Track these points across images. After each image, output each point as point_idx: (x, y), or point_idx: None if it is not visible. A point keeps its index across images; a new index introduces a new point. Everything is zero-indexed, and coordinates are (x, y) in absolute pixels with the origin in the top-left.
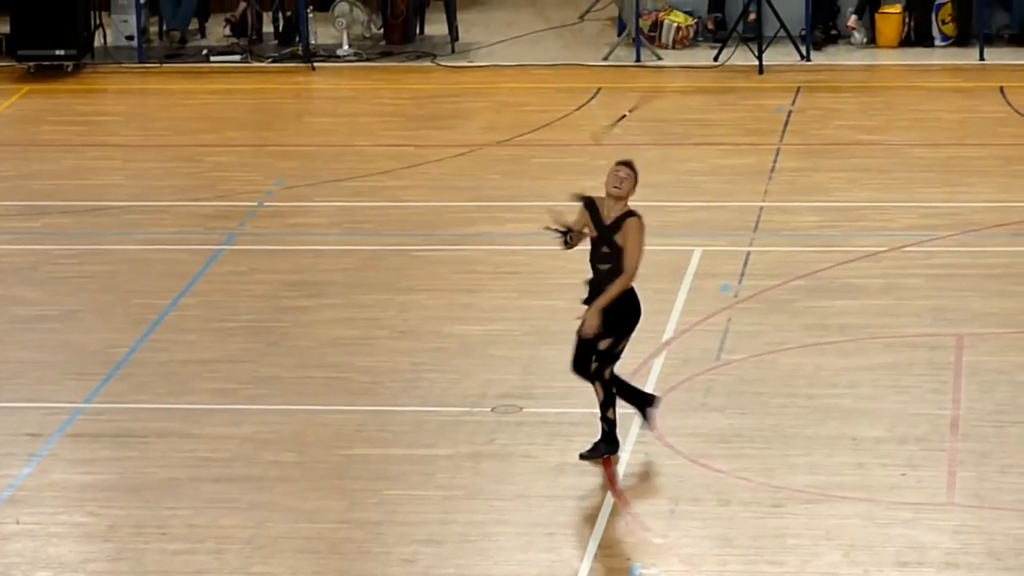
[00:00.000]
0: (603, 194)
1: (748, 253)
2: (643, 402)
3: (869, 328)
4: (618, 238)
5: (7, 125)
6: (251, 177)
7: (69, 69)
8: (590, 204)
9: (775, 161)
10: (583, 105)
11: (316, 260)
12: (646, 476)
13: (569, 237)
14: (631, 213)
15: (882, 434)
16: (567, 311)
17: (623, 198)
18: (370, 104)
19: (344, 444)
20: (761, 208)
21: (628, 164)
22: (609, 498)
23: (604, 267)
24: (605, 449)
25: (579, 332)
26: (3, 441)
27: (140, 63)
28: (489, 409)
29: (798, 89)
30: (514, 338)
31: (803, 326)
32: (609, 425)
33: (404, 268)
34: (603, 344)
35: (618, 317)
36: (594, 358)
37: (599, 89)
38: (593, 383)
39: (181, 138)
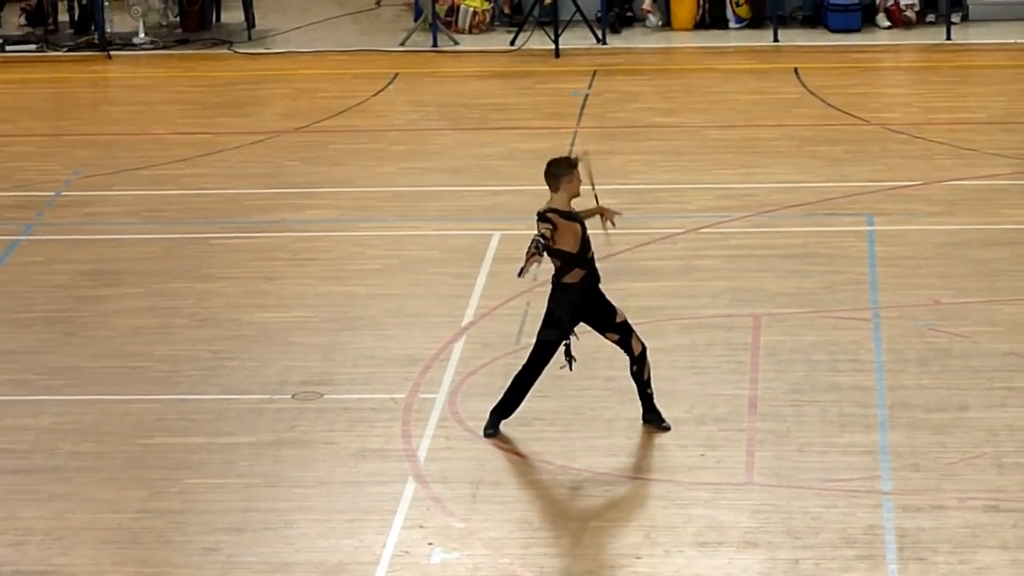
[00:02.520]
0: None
1: None
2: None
3: (666, 309)
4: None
5: None
6: (48, 167)
7: None
8: (573, 215)
9: (572, 144)
10: (380, 91)
11: (115, 249)
12: (447, 460)
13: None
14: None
15: (680, 415)
16: (367, 297)
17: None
18: (168, 92)
19: (144, 433)
20: None
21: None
22: (411, 483)
23: (590, 255)
24: (658, 419)
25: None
26: None
27: None
28: (289, 396)
29: (594, 72)
30: (314, 325)
31: None
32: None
33: (203, 256)
34: (619, 318)
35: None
36: (627, 339)
37: (396, 75)
38: (640, 362)
39: None
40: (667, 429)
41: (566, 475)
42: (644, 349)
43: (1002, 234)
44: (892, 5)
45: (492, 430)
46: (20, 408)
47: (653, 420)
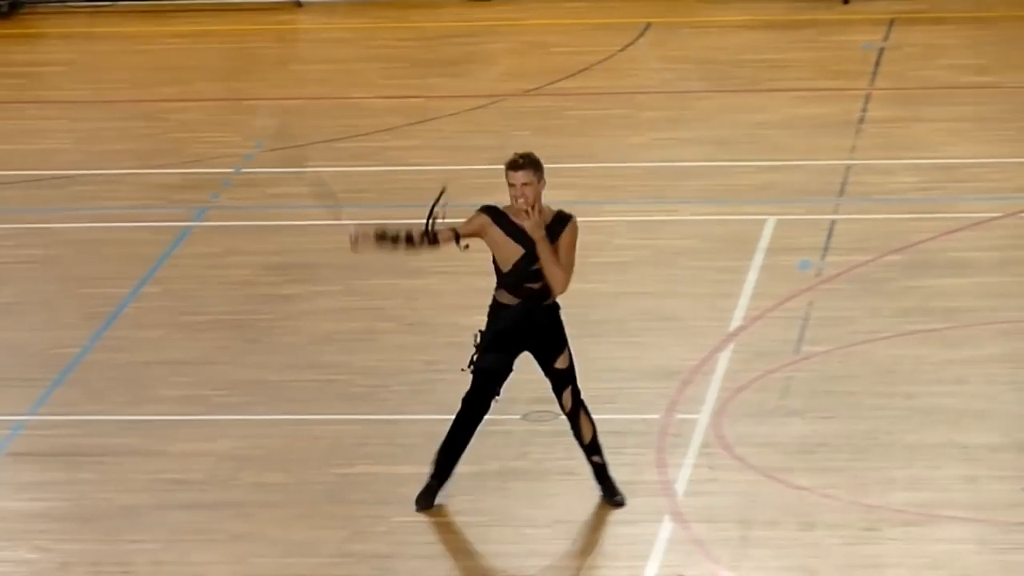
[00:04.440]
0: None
1: (832, 222)
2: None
3: (980, 312)
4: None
5: None
6: (225, 138)
7: (3, 10)
8: (499, 213)
9: (864, 110)
10: (628, 45)
11: (305, 238)
12: (711, 495)
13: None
14: (566, 214)
15: (997, 440)
16: (612, 296)
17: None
18: (368, 47)
19: (342, 461)
20: (848, 168)
21: (524, 164)
22: (667, 523)
23: (536, 285)
24: (610, 492)
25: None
26: None
27: (88, 1)
28: (519, 417)
29: (891, 22)
30: None
31: (900, 310)
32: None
33: None
34: (560, 363)
35: (558, 325)
36: (560, 389)
37: (648, 25)
38: (578, 413)
39: (139, 92)
40: (619, 504)
41: (856, 513)
42: (576, 405)
43: None
44: None
45: (426, 502)
46: (193, 430)
47: (603, 492)
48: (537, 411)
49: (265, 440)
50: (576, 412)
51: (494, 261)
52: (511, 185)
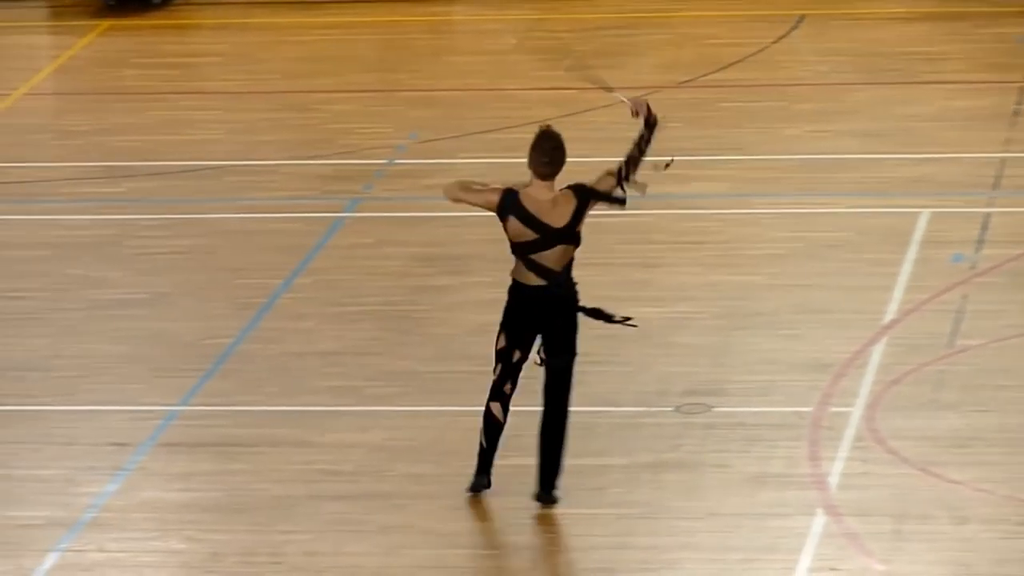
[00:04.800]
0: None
1: (987, 215)
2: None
3: None
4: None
5: (82, 69)
6: (379, 129)
7: (157, 1)
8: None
9: (1019, 103)
10: (782, 37)
11: (458, 229)
12: (864, 488)
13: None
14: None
15: None
16: (766, 289)
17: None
18: (522, 39)
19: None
20: (1003, 160)
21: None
22: (820, 516)
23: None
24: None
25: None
26: (83, 452)
27: None
28: (672, 409)
29: None
30: (701, 322)
31: None
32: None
33: None
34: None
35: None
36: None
37: (802, 17)
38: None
39: (292, 83)
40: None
41: (1011, 507)
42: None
43: None
44: None
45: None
46: (346, 421)
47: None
48: (690, 403)
49: (417, 431)
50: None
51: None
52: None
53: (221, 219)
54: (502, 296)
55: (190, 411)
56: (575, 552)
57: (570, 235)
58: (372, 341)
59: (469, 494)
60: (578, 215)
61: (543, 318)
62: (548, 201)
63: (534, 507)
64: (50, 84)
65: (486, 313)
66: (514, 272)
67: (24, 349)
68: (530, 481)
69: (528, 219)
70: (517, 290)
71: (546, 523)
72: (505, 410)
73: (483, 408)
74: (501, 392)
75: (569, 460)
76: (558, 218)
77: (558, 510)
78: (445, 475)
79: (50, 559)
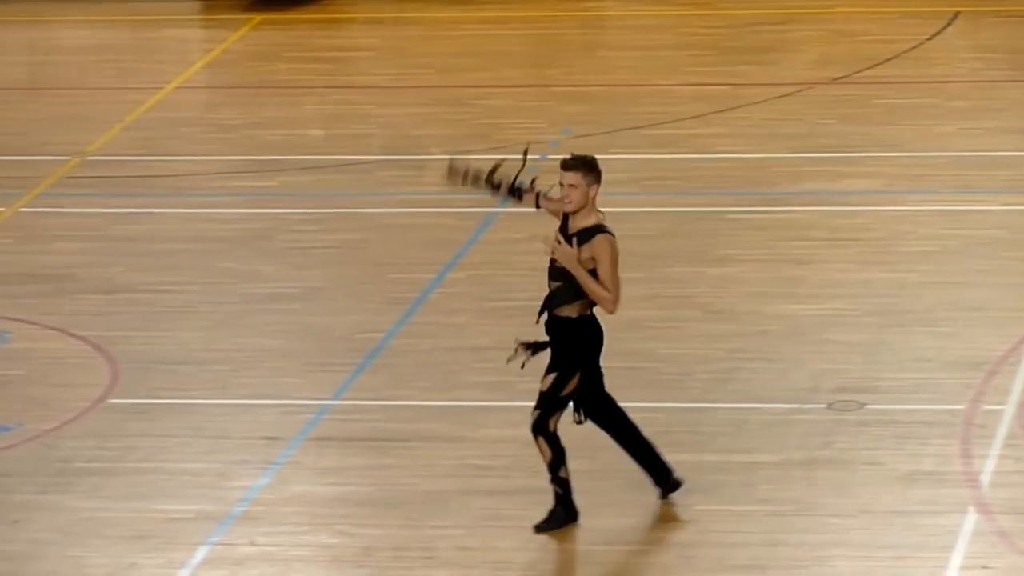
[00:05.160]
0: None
1: None
2: (663, 476)
3: None
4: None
5: (235, 63)
6: (532, 124)
7: None
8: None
9: None
10: (936, 34)
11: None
12: (1017, 486)
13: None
14: (601, 228)
15: None
16: (919, 286)
17: (579, 210)
18: (675, 34)
19: None
20: None
21: (574, 165)
22: (971, 514)
23: (555, 284)
24: (564, 516)
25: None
26: (235, 446)
27: None
28: (824, 406)
29: None
30: (853, 319)
31: None
32: (563, 488)
33: (718, 234)
34: (545, 383)
35: (569, 344)
36: (535, 405)
37: (956, 14)
38: (535, 437)
39: (445, 78)
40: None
41: None
42: (537, 430)
43: None
44: None
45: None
46: (498, 416)
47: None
48: (842, 400)
49: (569, 427)
50: (536, 434)
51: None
52: (560, 184)
53: (375, 213)
54: (655, 292)
55: (342, 405)
56: (725, 548)
57: None
58: (524, 336)
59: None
60: None
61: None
62: None
63: (685, 503)
64: (203, 78)
65: (638, 308)
66: (588, 306)
67: (177, 343)
68: (684, 478)
69: None
70: (596, 325)
71: (696, 519)
72: None
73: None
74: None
75: (721, 456)
76: None
77: (708, 506)
78: (595, 471)
79: (201, 553)
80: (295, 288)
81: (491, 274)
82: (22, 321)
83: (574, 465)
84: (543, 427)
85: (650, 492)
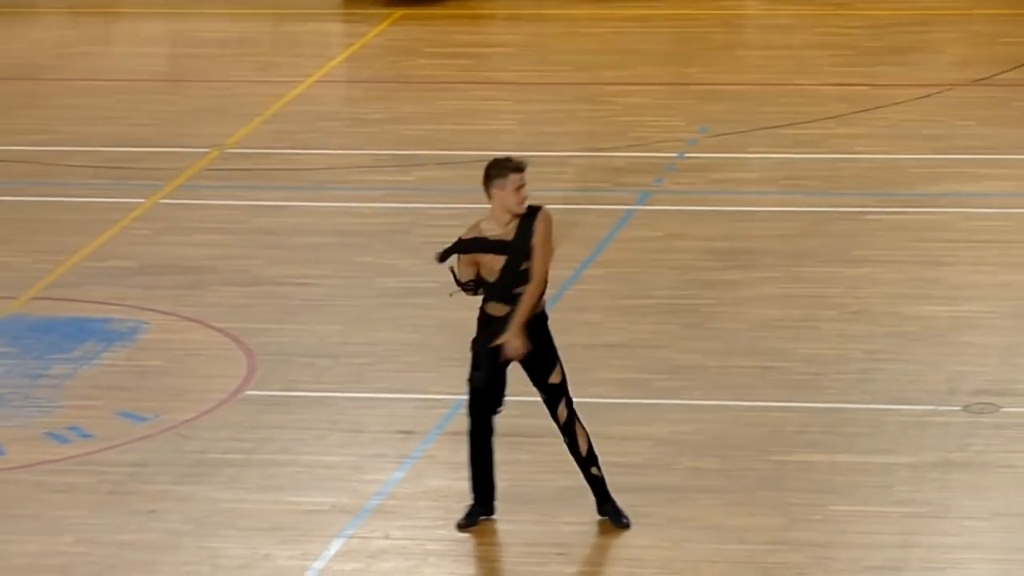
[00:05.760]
0: (479, 221)
1: None
2: (484, 496)
3: None
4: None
5: (375, 57)
6: (670, 122)
7: None
8: (469, 243)
9: None
10: None
11: (748, 224)
12: None
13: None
14: (536, 208)
15: None
16: None
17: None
18: (814, 34)
19: (781, 448)
20: None
21: (523, 168)
22: None
23: (522, 289)
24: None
25: (503, 357)
26: (371, 440)
27: None
28: (960, 408)
29: None
30: (991, 322)
31: None
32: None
33: (856, 235)
34: (554, 378)
35: (548, 335)
36: (554, 403)
37: None
38: (575, 424)
39: (584, 75)
40: (626, 527)
41: None
42: (572, 417)
43: None
44: None
45: (467, 523)
46: (633, 414)
47: (608, 513)
48: (979, 402)
49: (703, 425)
50: (571, 425)
51: (478, 275)
52: (518, 188)
53: None
54: (791, 292)
55: None
56: (859, 549)
57: None
58: (659, 334)
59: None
60: None
61: None
62: None
63: (819, 503)
64: (343, 72)
65: (775, 308)
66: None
67: (314, 336)
68: (817, 477)
69: None
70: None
71: (831, 520)
72: None
73: (583, 432)
74: None
75: (857, 457)
76: None
77: (843, 507)
78: (730, 470)
79: (335, 545)
80: (432, 283)
81: (628, 271)
82: (161, 312)
83: (706, 464)
84: (574, 420)
85: (784, 492)
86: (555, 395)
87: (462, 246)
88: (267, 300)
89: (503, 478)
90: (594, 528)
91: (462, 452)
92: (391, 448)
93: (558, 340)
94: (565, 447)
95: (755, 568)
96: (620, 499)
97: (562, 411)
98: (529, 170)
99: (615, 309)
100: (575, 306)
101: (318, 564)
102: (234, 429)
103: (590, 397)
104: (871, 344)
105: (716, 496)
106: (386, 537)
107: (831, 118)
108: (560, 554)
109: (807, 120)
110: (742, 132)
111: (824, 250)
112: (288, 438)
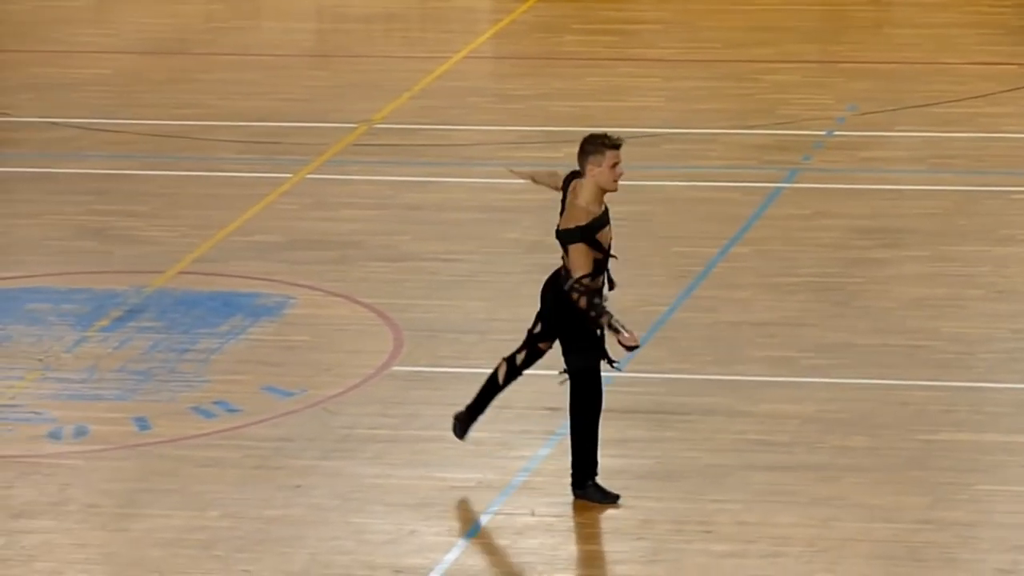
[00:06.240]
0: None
1: None
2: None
3: None
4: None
5: (523, 34)
6: (819, 100)
7: None
8: (595, 225)
9: None
10: None
11: (895, 202)
12: None
13: None
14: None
15: None
16: None
17: None
18: (965, 13)
19: (928, 427)
20: None
21: (619, 145)
22: None
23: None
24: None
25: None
26: (517, 416)
27: None
28: None
29: None
30: None
31: None
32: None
33: (1003, 213)
34: (544, 344)
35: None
36: (524, 350)
37: None
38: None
39: (732, 52)
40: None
41: None
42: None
43: None
44: None
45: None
46: (780, 392)
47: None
48: None
49: (851, 404)
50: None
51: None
52: (614, 165)
53: (660, 187)
54: (939, 271)
55: (624, 377)
56: (1006, 529)
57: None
58: (807, 312)
59: None
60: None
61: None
62: None
63: (965, 482)
64: (490, 48)
65: (923, 286)
66: None
67: (460, 312)
68: (963, 456)
69: None
70: None
71: (977, 499)
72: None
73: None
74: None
75: (1004, 436)
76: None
77: (989, 486)
78: (877, 448)
79: (482, 521)
80: None
81: (775, 249)
82: (307, 287)
83: (853, 442)
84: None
85: (931, 471)
86: (532, 346)
87: (590, 231)
88: (413, 276)
89: (650, 456)
90: (740, 506)
91: (609, 429)
92: (537, 424)
93: (705, 318)
94: (499, 378)
95: (901, 547)
96: (766, 477)
97: (521, 357)
98: (677, 147)
99: (762, 287)
100: (723, 283)
101: (464, 541)
102: (380, 405)
103: (737, 375)
104: (1018, 323)
105: (862, 475)
106: (532, 514)
107: (978, 97)
108: (706, 532)
109: (954, 99)
110: (890, 110)
111: (971, 229)
112: (434, 414)
